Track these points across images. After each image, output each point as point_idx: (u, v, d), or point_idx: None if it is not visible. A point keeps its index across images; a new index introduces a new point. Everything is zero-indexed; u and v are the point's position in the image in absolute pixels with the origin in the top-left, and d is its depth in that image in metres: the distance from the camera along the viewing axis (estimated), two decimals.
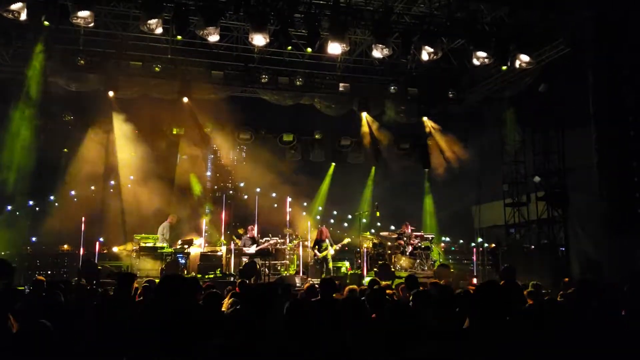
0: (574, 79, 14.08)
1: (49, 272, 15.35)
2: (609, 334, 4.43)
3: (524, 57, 13.34)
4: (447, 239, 18.75)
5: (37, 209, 17.09)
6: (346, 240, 15.01)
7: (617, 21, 12.96)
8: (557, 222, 15.50)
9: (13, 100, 14.38)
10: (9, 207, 15.74)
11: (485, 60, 13.27)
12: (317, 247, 14.31)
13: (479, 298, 3.59)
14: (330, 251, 14.34)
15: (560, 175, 15.44)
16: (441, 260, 15.58)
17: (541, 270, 13.80)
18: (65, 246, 16.60)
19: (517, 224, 16.83)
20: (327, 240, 14.31)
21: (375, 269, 13.75)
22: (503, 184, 17.09)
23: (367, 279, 13.01)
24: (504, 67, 14.10)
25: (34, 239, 16.43)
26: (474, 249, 15.72)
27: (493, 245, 17.28)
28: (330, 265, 14.44)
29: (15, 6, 11.12)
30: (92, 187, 16.67)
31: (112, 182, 16.92)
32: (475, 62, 13.31)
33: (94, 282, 10.78)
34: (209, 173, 18.85)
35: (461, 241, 19.26)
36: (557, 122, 15.46)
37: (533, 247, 16.19)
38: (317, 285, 6.65)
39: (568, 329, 4.42)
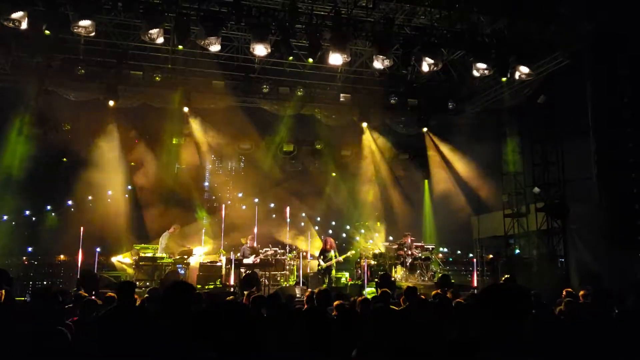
0: (573, 91, 14.16)
1: (45, 282, 15.23)
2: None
3: (524, 69, 13.40)
4: (445, 249, 18.69)
5: (33, 219, 16.97)
6: (350, 253, 14.96)
7: (616, 34, 13.08)
8: (556, 233, 15.50)
9: (12, 109, 14.35)
10: (5, 217, 15.65)
11: (485, 71, 13.32)
12: (321, 256, 14.25)
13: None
14: (336, 260, 14.30)
15: (559, 186, 15.46)
16: (441, 270, 15.54)
17: (540, 282, 13.79)
18: (62, 256, 16.48)
19: (516, 235, 16.82)
20: (332, 251, 14.25)
21: (376, 280, 13.68)
22: (502, 194, 17.11)
23: (367, 290, 12.97)
24: (504, 79, 14.20)
25: (30, 249, 16.30)
26: (473, 260, 15.68)
27: (491, 256, 17.26)
28: (334, 273, 14.38)
29: (16, 15, 11.10)
30: (90, 197, 16.56)
31: (110, 192, 16.82)
32: (475, 73, 13.36)
33: (93, 292, 10.66)
34: (206, 183, 18.74)
35: (459, 252, 19.19)
36: (557, 133, 15.51)
37: (532, 258, 16.17)
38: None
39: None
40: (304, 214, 17.97)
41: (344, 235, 18.91)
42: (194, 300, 4.65)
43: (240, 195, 18.52)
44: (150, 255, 13.49)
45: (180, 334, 4.03)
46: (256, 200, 17.11)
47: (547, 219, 15.70)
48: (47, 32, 12.03)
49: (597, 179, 13.40)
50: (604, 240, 13.20)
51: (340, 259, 14.47)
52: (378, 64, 12.88)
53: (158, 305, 6.65)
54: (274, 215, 17.47)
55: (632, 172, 13.06)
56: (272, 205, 17.99)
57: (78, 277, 11.81)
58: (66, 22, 11.62)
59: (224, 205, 15.94)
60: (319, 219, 18.93)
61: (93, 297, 9.43)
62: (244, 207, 17.77)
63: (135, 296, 7.86)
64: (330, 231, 18.41)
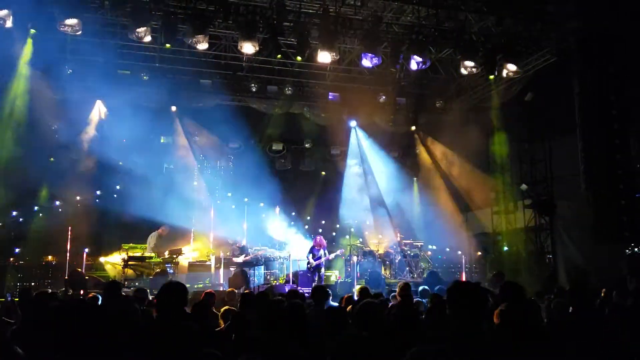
0: (561, 88, 14.25)
1: (33, 284, 15.11)
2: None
3: (511, 67, 13.51)
4: (434, 246, 18.77)
5: (20, 219, 16.79)
6: (339, 251, 14.99)
7: (603, 31, 13.19)
8: (544, 230, 15.62)
9: None
10: None
11: (473, 69, 13.42)
12: (311, 255, 14.27)
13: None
14: (325, 259, 14.31)
15: (547, 183, 15.58)
16: (430, 267, 15.61)
17: (529, 278, 13.88)
18: (50, 257, 16.32)
19: (504, 232, 16.91)
20: (321, 250, 14.26)
21: (365, 277, 13.73)
22: (490, 191, 17.20)
23: (357, 287, 13.00)
24: (491, 77, 14.28)
25: (17, 250, 16.13)
26: (462, 257, 15.75)
27: (479, 253, 17.35)
28: (323, 271, 14.40)
29: (0, 13, 11.01)
30: (78, 197, 16.42)
31: (99, 192, 16.69)
32: (463, 71, 13.46)
33: (81, 292, 10.62)
34: (195, 182, 18.62)
35: (447, 249, 19.27)
36: (544, 130, 15.63)
37: (520, 254, 16.26)
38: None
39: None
40: (293, 213, 17.95)
41: (334, 233, 18.90)
42: (186, 300, 4.65)
43: (229, 194, 18.44)
44: (138, 254, 13.42)
45: (173, 332, 4.03)
46: (245, 199, 17.03)
47: (534, 215, 15.82)
48: (32, 30, 11.96)
49: (583, 175, 13.50)
50: (590, 236, 13.31)
51: (330, 257, 14.50)
52: (366, 62, 12.93)
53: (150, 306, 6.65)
54: (265, 215, 17.40)
55: (618, 168, 13.16)
56: (262, 204, 17.92)
57: (66, 277, 11.72)
58: (52, 20, 11.52)
59: (213, 205, 15.91)
60: (308, 217, 18.91)
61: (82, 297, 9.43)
62: (233, 206, 17.70)
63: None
64: (320, 230, 18.38)
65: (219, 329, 5.53)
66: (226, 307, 6.08)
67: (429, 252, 17.15)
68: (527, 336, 3.25)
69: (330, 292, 6.77)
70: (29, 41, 12.87)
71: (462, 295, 2.75)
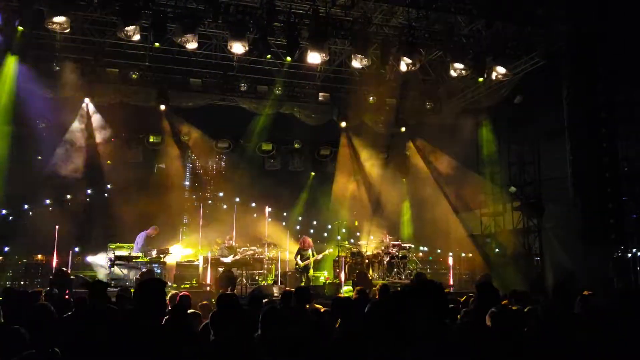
0: (549, 91, 14.34)
1: (22, 282, 15.06)
2: None
3: (500, 69, 13.57)
4: (425, 248, 18.80)
5: (10, 218, 16.71)
6: (327, 251, 15.00)
7: (592, 35, 13.28)
8: (532, 232, 15.67)
9: None
10: None
11: (462, 71, 13.47)
12: (299, 256, 14.25)
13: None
14: (314, 259, 14.31)
15: (535, 185, 15.64)
16: (418, 269, 15.63)
17: (516, 280, 13.93)
18: (39, 256, 16.26)
19: (493, 234, 16.96)
20: (309, 250, 14.25)
21: (353, 278, 13.74)
22: (480, 194, 17.24)
23: (345, 288, 13.01)
24: (481, 79, 14.32)
25: (6, 248, 16.06)
26: (451, 258, 15.77)
27: (469, 255, 17.38)
28: (311, 273, 14.40)
29: None
30: (68, 196, 16.36)
31: (89, 191, 16.64)
32: (453, 73, 13.51)
33: (67, 291, 10.53)
34: (187, 182, 18.59)
35: (439, 250, 19.32)
36: (533, 133, 15.69)
37: (508, 256, 16.31)
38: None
39: None
40: (285, 213, 17.95)
41: (325, 234, 18.91)
42: (164, 298, 4.62)
43: (220, 194, 18.42)
44: (125, 254, 13.36)
45: (155, 332, 4.01)
46: (237, 199, 17.02)
47: (523, 217, 15.87)
48: (20, 28, 11.88)
49: (572, 178, 13.58)
50: (578, 239, 13.38)
51: (318, 257, 14.49)
52: (356, 63, 12.95)
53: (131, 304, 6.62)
54: (255, 215, 17.40)
55: (606, 171, 13.25)
56: (252, 204, 17.91)
57: (51, 276, 11.65)
58: (40, 18, 11.46)
59: (202, 205, 15.87)
60: (300, 218, 18.91)
61: (67, 297, 9.37)
62: (225, 206, 17.68)
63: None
64: (312, 230, 18.40)
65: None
66: (193, 310, 6.08)
67: (420, 254, 17.17)
68: (497, 337, 3.25)
69: (312, 293, 6.77)
70: (17, 39, 12.77)
71: (422, 296, 2.75)
